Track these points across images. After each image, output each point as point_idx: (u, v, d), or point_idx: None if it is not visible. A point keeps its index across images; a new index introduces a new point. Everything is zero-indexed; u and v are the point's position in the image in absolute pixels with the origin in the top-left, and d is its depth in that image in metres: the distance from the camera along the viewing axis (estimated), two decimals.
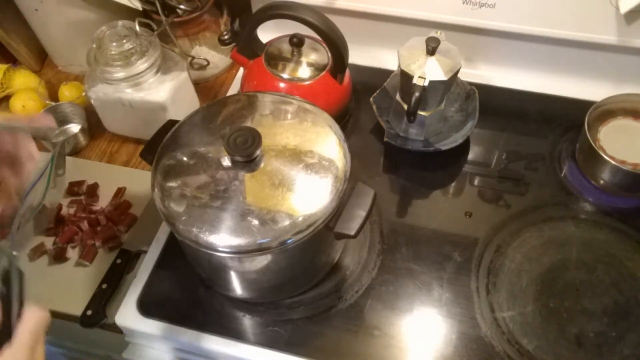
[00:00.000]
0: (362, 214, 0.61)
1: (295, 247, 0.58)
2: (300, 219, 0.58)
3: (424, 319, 0.69)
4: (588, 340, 0.66)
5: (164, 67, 0.84)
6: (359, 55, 0.92)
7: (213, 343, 0.69)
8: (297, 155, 0.62)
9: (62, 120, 0.93)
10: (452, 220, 0.78)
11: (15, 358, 0.40)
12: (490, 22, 0.86)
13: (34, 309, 0.43)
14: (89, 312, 0.71)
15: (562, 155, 0.84)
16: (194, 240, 0.58)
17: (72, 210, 0.82)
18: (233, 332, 0.69)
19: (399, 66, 0.76)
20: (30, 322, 0.42)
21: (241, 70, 0.97)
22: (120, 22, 0.80)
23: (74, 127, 0.92)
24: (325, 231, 0.60)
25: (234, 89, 0.97)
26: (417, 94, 0.74)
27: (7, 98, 0.95)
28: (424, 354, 0.67)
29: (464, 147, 0.84)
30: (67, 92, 0.95)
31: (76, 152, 0.90)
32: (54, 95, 0.96)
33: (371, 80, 0.90)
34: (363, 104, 0.89)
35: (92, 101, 0.86)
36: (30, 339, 0.41)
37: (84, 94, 0.90)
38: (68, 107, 0.92)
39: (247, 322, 0.70)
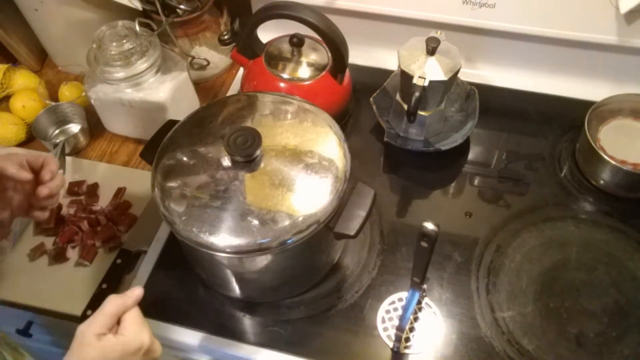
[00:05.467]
0: (362, 214, 0.61)
1: (295, 247, 0.58)
2: (300, 219, 0.58)
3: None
4: (588, 340, 0.66)
5: (164, 67, 0.84)
6: (359, 55, 0.92)
7: (213, 343, 0.69)
8: (297, 155, 0.62)
9: (62, 120, 0.93)
10: (452, 220, 0.78)
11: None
12: (490, 22, 0.86)
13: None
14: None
15: (562, 155, 0.84)
16: (194, 240, 0.58)
17: (72, 210, 0.81)
18: (233, 332, 0.69)
19: (399, 66, 0.76)
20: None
21: (241, 70, 0.98)
22: (120, 22, 0.80)
23: (74, 127, 0.92)
24: (325, 231, 0.60)
25: (234, 89, 0.97)
26: (417, 94, 0.74)
27: (7, 98, 0.95)
28: (424, 354, 0.67)
29: (464, 147, 0.84)
30: (67, 92, 0.95)
31: (76, 152, 0.90)
32: (54, 95, 0.96)
33: (371, 80, 0.90)
34: (363, 104, 0.89)
35: (92, 101, 0.86)
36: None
37: (84, 94, 0.90)
38: (68, 107, 0.92)
39: (247, 322, 0.70)
